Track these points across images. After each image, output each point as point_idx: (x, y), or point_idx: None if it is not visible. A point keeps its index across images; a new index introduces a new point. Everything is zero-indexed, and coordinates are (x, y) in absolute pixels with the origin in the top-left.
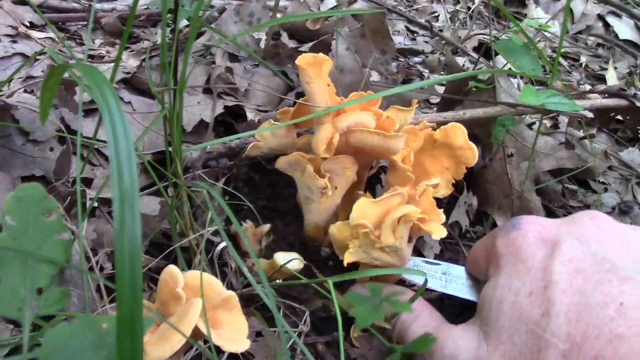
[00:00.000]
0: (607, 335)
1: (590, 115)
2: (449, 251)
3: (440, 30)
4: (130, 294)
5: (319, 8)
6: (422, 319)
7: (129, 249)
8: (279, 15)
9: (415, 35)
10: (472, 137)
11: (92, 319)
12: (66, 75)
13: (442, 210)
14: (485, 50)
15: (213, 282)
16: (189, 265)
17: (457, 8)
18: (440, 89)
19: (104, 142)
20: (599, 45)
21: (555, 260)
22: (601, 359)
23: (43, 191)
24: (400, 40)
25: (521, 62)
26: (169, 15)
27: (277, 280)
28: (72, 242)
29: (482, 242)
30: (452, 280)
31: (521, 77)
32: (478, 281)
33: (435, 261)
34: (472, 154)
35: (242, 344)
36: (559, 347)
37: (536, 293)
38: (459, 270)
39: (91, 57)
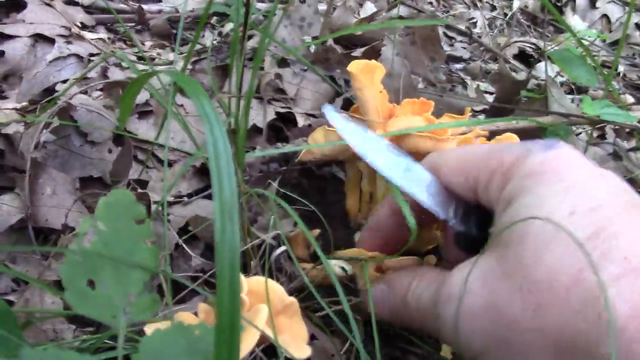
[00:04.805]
0: None
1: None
2: None
3: (479, 37)
4: (230, 304)
5: (358, 13)
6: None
7: (229, 259)
8: (321, 19)
9: (454, 41)
10: None
11: (184, 325)
12: (121, 77)
13: None
14: (523, 56)
15: (276, 288)
16: (244, 269)
17: (494, 14)
18: (489, 98)
19: (159, 144)
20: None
21: (602, 183)
22: None
23: (132, 197)
24: None
25: (577, 73)
26: (216, 18)
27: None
28: (158, 248)
29: (481, 154)
30: (415, 180)
31: (561, 85)
32: (450, 197)
33: (399, 150)
34: None
35: (304, 350)
36: (610, 270)
37: (580, 213)
38: (424, 174)
39: (141, 58)
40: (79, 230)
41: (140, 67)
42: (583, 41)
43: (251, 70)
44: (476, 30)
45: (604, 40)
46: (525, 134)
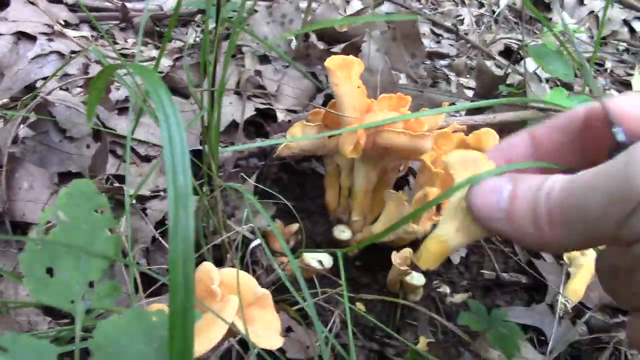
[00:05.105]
0: None
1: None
2: (475, 254)
3: (466, 34)
4: (183, 290)
5: (344, 10)
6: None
7: (182, 246)
8: (309, 17)
9: (440, 38)
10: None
11: (142, 312)
12: None
13: None
14: (509, 52)
15: (248, 280)
16: (220, 262)
17: (481, 11)
18: (469, 93)
19: (141, 139)
20: (624, 50)
21: None
22: None
23: (93, 188)
24: (425, 43)
25: (554, 67)
26: (200, 15)
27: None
28: (120, 237)
29: None
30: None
31: (547, 81)
32: None
33: None
34: None
35: (275, 341)
36: None
37: None
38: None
39: (124, 55)
40: (39, 220)
41: (130, 62)
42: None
43: (231, 67)
44: (463, 27)
45: (592, 37)
46: (503, 129)
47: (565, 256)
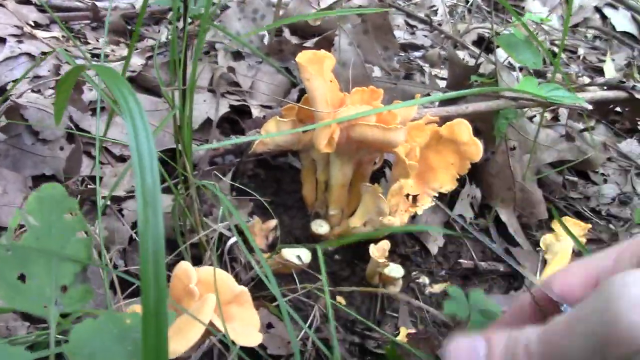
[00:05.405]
0: None
1: (590, 107)
2: (453, 244)
3: (440, 25)
4: (155, 290)
5: (318, 4)
6: None
7: (152, 247)
8: (281, 12)
9: (415, 29)
10: (475, 130)
11: (116, 315)
12: None
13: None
14: (482, 42)
15: (225, 278)
16: (199, 261)
17: (455, 1)
18: (442, 83)
19: (113, 140)
20: (596, 37)
21: None
22: None
23: (63, 191)
24: (400, 35)
25: (523, 56)
26: (172, 13)
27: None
28: (92, 240)
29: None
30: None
31: (520, 70)
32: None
33: None
34: (476, 149)
35: (254, 338)
36: None
37: None
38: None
39: (96, 55)
40: (9, 225)
41: (94, 64)
42: (543, 26)
43: (204, 65)
44: (437, 18)
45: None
46: (476, 119)
47: (542, 243)
